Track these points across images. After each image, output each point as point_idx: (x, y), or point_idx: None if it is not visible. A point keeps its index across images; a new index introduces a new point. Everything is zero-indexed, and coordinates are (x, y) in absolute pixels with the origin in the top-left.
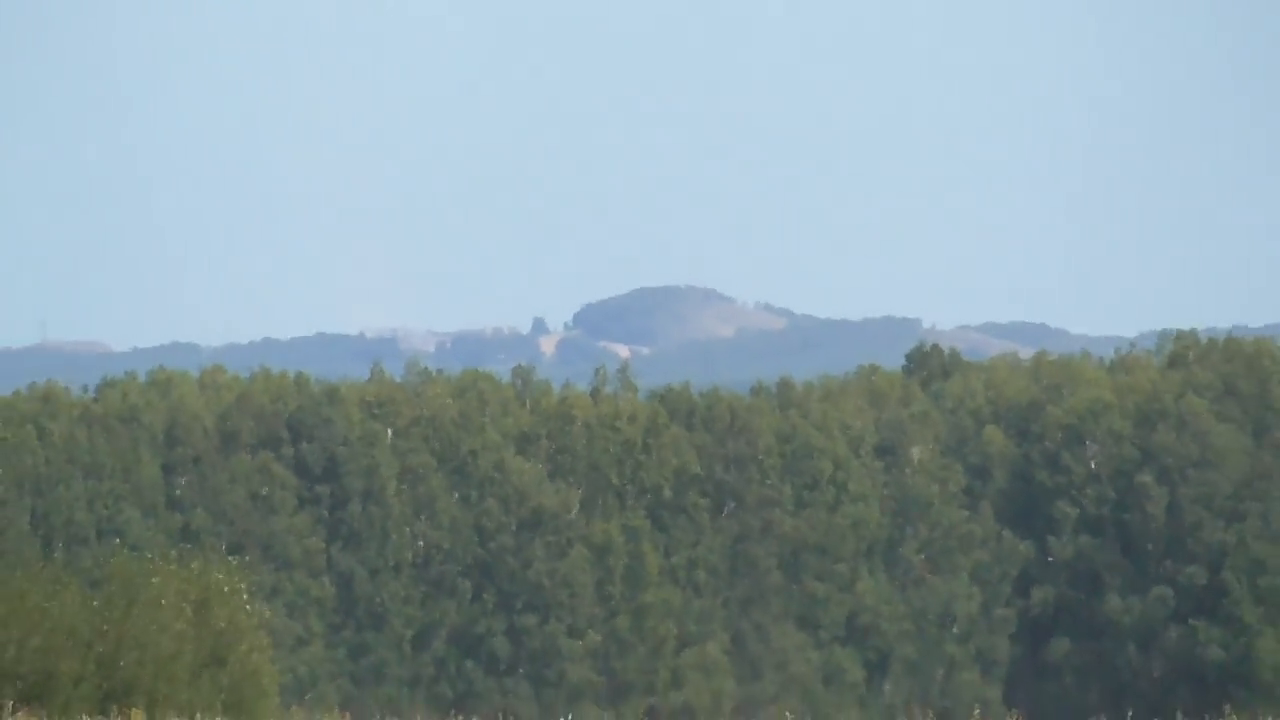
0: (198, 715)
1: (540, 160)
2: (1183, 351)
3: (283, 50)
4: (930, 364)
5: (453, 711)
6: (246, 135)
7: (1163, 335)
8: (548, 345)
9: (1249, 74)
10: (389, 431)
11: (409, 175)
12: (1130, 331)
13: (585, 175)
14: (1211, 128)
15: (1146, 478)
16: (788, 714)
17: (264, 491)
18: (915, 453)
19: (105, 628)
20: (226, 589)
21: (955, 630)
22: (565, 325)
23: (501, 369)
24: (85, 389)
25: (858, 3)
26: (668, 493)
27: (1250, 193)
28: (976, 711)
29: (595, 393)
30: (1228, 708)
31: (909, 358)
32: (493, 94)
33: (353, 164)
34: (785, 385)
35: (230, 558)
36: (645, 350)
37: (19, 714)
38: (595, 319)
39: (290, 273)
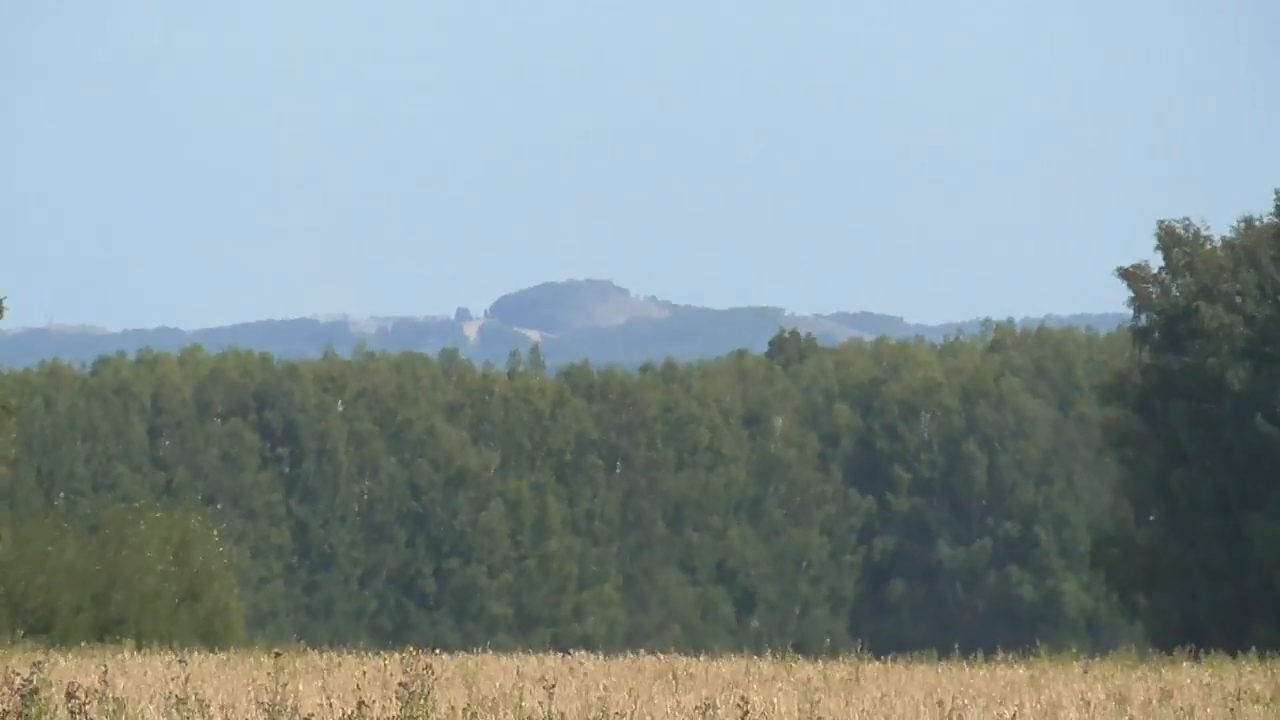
0: (177, 643)
1: (468, 166)
2: (1002, 338)
3: (246, 52)
4: (789, 348)
5: (391, 641)
6: (231, 142)
7: (985, 323)
8: (470, 330)
9: (1077, 76)
10: (339, 403)
11: (358, 178)
12: (958, 320)
13: (503, 178)
14: (1022, 138)
15: (971, 446)
16: (672, 645)
17: (233, 452)
18: (777, 424)
19: (99, 568)
20: (201, 535)
21: (809, 573)
22: (485, 313)
23: (432, 350)
24: (85, 365)
25: (731, 4)
26: (569, 456)
27: (1063, 202)
28: (827, 641)
29: (511, 371)
30: (1038, 640)
31: (771, 343)
32: (423, 104)
33: (312, 169)
34: (669, 365)
35: (205, 508)
36: (552, 336)
37: (26, 640)
38: (510, 308)
39: (258, 267)
